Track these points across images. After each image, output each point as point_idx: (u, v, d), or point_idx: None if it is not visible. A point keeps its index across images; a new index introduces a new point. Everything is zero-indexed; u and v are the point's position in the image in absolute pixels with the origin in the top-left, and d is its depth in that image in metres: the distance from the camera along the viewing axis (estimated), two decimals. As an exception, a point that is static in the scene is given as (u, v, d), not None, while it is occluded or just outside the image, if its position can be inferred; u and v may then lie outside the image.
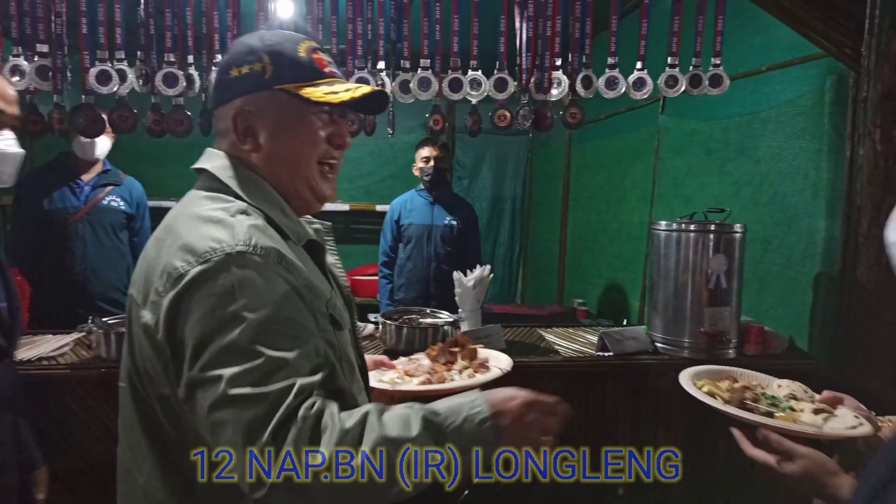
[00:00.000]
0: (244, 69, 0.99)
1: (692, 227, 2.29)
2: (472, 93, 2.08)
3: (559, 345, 2.44)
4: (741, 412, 1.11)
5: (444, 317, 2.38)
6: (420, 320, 2.30)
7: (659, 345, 2.36)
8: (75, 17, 1.90)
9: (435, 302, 3.49)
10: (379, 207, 5.52)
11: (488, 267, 2.57)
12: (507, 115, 2.12)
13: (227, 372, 0.83)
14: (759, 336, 2.31)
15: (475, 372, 1.51)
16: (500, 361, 1.62)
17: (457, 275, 2.56)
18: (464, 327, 2.44)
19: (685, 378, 1.32)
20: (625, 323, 3.76)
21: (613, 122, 4.15)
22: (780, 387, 1.29)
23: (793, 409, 1.16)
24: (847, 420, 1.06)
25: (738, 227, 2.27)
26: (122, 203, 2.87)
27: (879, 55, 2.07)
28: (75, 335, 2.31)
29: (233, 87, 1.00)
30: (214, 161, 1.02)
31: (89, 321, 2.09)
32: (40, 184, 2.75)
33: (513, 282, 6.32)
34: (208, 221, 0.93)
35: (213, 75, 1.07)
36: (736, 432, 1.08)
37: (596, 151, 4.70)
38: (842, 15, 2.17)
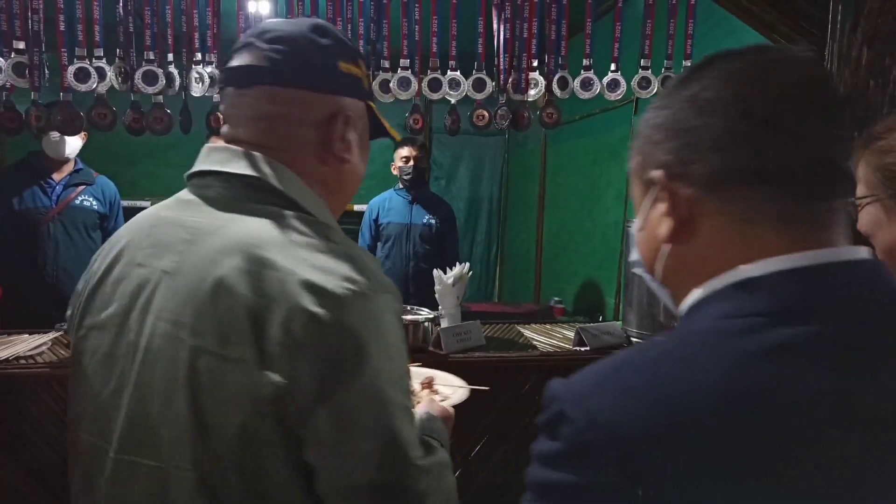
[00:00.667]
0: (352, 68, 0.84)
1: (665, 224, 2.35)
2: (452, 93, 2.11)
3: (537, 340, 2.49)
4: None
5: (425, 313, 2.41)
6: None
7: (634, 339, 2.42)
8: (52, 14, 1.89)
9: (414, 300, 3.52)
10: (357, 207, 5.54)
11: (467, 264, 2.61)
12: (486, 114, 2.16)
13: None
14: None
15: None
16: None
17: (436, 272, 2.59)
18: (444, 324, 2.48)
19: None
20: (600, 319, 3.84)
21: (588, 123, 4.23)
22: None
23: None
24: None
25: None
26: (94, 202, 2.84)
27: (841, 59, 2.15)
28: (52, 334, 2.29)
29: (340, 82, 0.83)
30: (262, 167, 0.79)
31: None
32: (10, 184, 2.72)
33: (490, 281, 6.37)
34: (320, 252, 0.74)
35: (295, 48, 0.80)
36: None
37: (571, 152, 4.77)
38: (805, 20, 2.25)
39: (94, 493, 0.79)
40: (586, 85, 2.17)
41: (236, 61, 0.83)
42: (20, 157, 2.86)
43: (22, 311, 2.69)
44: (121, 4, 1.92)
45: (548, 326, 2.79)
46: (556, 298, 4.50)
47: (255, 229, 0.75)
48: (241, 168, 0.79)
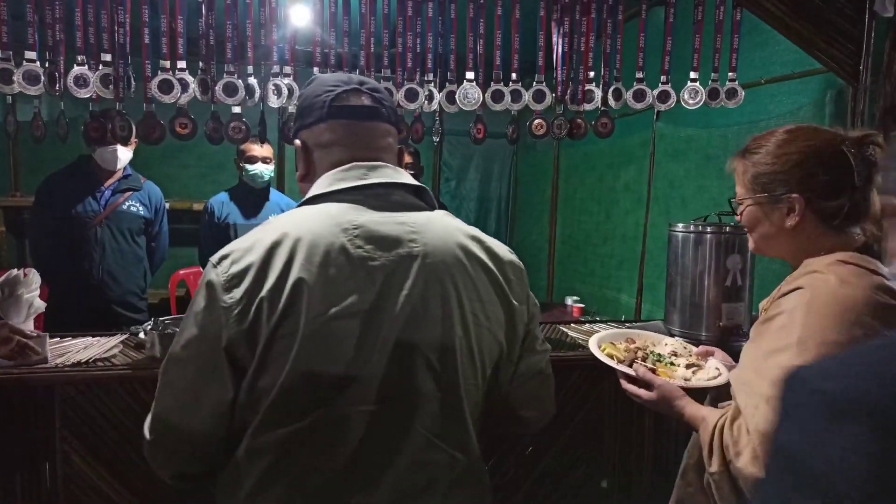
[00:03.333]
0: None
1: (709, 228, 2.47)
2: (514, 105, 2.21)
3: (582, 339, 2.59)
4: (626, 369, 1.43)
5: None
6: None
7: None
8: (138, 26, 1.96)
9: None
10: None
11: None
12: (544, 124, 2.26)
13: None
14: (766, 329, 2.51)
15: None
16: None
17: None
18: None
19: (593, 342, 1.60)
20: (622, 319, 3.96)
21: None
22: (667, 345, 1.59)
23: (672, 364, 1.50)
24: (710, 372, 1.41)
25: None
26: (141, 208, 2.89)
27: (878, 73, 2.29)
28: (120, 336, 2.35)
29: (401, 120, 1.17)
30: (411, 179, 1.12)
31: (146, 324, 2.15)
32: (61, 188, 2.77)
33: (498, 281, 6.48)
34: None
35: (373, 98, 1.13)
36: (621, 378, 1.45)
37: (586, 155, 4.89)
38: (841, 35, 2.39)
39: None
40: (639, 96, 2.28)
41: (352, 101, 1.08)
42: (71, 161, 2.87)
43: (67, 311, 2.74)
44: (203, 18, 1.99)
45: (586, 326, 2.90)
46: (574, 298, 4.60)
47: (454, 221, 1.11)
48: (407, 179, 1.10)
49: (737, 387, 1.26)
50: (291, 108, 2.15)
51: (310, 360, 0.94)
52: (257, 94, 2.05)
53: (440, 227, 1.04)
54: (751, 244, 1.40)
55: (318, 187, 1.06)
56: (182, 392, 0.97)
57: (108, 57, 1.95)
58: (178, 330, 1.04)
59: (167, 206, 5.03)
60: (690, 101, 2.32)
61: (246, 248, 0.97)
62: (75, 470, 2.01)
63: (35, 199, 2.83)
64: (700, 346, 1.53)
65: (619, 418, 2.41)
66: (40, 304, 2.23)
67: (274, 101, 2.08)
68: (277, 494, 0.97)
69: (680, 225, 2.57)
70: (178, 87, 1.98)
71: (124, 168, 2.85)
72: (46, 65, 1.92)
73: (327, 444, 0.97)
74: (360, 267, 0.97)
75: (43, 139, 1.99)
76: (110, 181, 2.81)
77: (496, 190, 6.37)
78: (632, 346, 1.65)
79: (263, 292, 0.93)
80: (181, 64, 2.00)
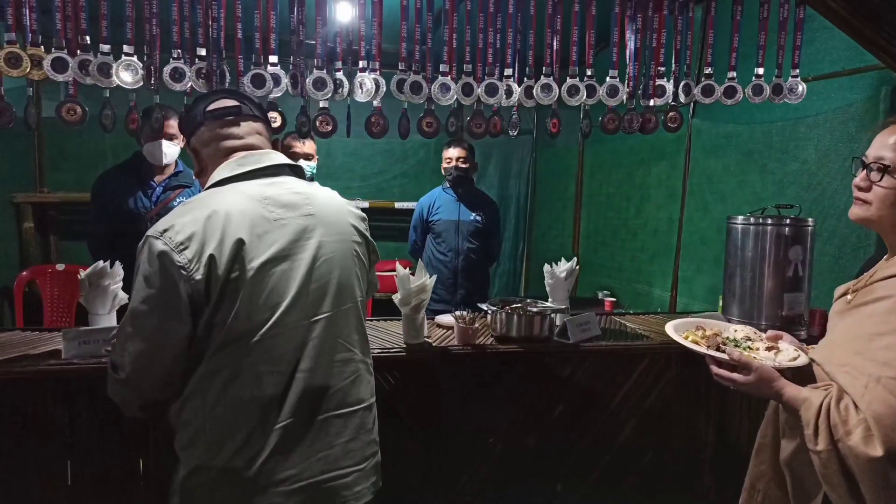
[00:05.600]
0: None
1: (769, 220, 2.54)
2: (589, 99, 2.27)
3: (641, 330, 2.66)
4: (720, 354, 1.43)
5: (550, 305, 2.56)
6: (530, 309, 2.47)
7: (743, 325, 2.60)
8: (232, 22, 1.99)
9: (462, 291, 3.71)
10: (398, 205, 5.66)
11: (575, 259, 2.76)
12: (617, 118, 2.32)
13: None
14: (823, 318, 2.59)
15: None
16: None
17: (548, 267, 2.74)
18: (557, 317, 2.63)
19: (673, 333, 1.59)
20: (657, 311, 4.03)
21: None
22: (737, 331, 1.60)
23: (750, 348, 1.51)
24: (790, 353, 1.43)
25: (809, 221, 2.53)
26: None
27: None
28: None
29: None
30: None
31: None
32: (114, 183, 2.77)
33: (517, 276, 6.54)
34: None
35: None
36: (710, 362, 1.45)
37: (613, 151, 4.96)
38: (900, 33, 2.46)
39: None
40: (707, 91, 2.34)
41: (220, 105, 1.44)
42: (127, 158, 2.89)
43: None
44: (295, 15, 2.02)
45: (641, 317, 2.97)
46: (605, 292, 4.67)
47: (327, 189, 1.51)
48: (286, 160, 1.45)
49: (832, 368, 1.31)
50: (377, 103, 2.20)
51: (253, 295, 1.26)
52: (345, 89, 2.08)
53: (322, 193, 1.45)
54: (860, 211, 1.37)
55: (223, 171, 1.38)
56: (151, 335, 1.25)
57: (202, 52, 1.97)
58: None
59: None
60: (756, 98, 2.38)
61: (184, 222, 1.25)
62: (167, 458, 2.04)
63: (91, 196, 2.82)
64: (769, 331, 1.56)
65: (685, 404, 2.48)
66: (124, 296, 2.26)
67: (360, 96, 2.12)
68: (235, 399, 1.27)
69: (740, 217, 2.64)
70: (270, 81, 2.01)
71: (176, 164, 2.85)
72: (144, 59, 1.95)
73: (272, 354, 1.29)
74: (277, 226, 1.31)
75: (140, 132, 2.01)
76: (161, 177, 2.80)
77: (515, 187, 6.42)
78: (708, 332, 1.68)
79: (211, 250, 1.22)
80: (272, 59, 2.03)
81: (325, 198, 1.46)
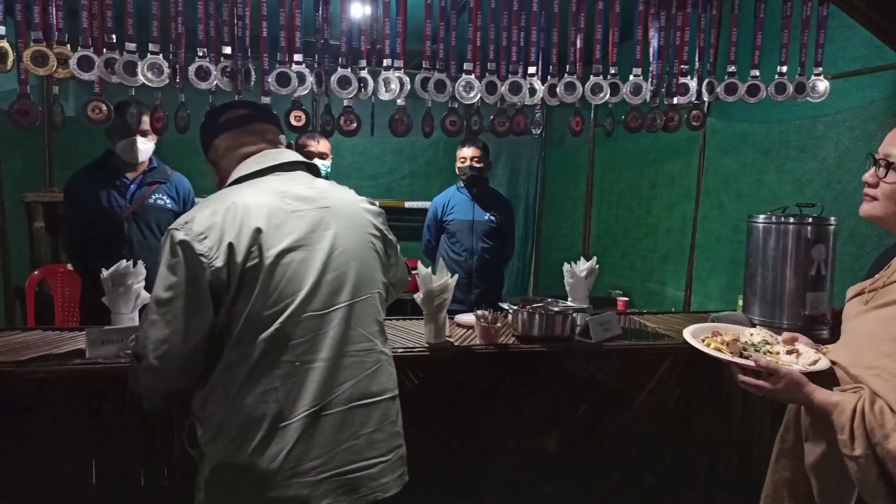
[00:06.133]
0: None
1: (791, 219, 2.53)
2: (612, 98, 2.26)
3: (661, 329, 2.65)
4: (745, 361, 1.40)
5: (571, 304, 2.55)
6: (551, 308, 2.46)
7: (759, 327, 2.59)
8: (257, 21, 1.98)
9: (477, 290, 3.70)
10: (408, 204, 5.65)
11: (595, 258, 2.75)
12: (640, 117, 2.31)
13: None
14: (844, 317, 2.57)
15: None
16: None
17: (568, 266, 2.73)
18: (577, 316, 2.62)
19: (693, 340, 1.56)
20: (672, 310, 4.02)
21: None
22: (753, 335, 1.57)
23: (770, 352, 1.48)
24: (810, 356, 1.40)
25: (832, 220, 2.52)
26: (168, 201, 2.78)
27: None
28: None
29: None
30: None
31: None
32: (87, 183, 2.66)
33: (525, 275, 6.54)
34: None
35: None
36: (735, 369, 1.42)
37: (625, 150, 4.95)
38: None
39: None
40: (730, 90, 2.33)
41: (233, 115, 1.52)
42: (98, 156, 2.77)
43: (100, 308, 2.51)
44: (320, 13, 2.02)
45: (660, 317, 2.96)
46: (617, 291, 4.67)
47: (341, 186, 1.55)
48: (300, 158, 1.51)
49: (860, 371, 1.30)
50: (400, 101, 2.19)
51: (271, 284, 1.30)
52: (370, 87, 2.07)
53: (336, 188, 1.50)
54: (868, 207, 1.37)
55: (242, 169, 1.43)
56: (174, 321, 1.27)
57: (227, 50, 1.96)
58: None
59: (199, 200, 5.08)
60: (780, 97, 2.37)
61: (204, 215, 1.30)
62: (191, 457, 2.03)
63: (64, 196, 2.74)
64: (784, 333, 1.54)
65: (708, 405, 2.47)
66: (146, 295, 2.25)
67: (384, 95, 2.11)
68: (257, 389, 1.30)
69: (761, 216, 2.62)
70: (295, 79, 2.01)
71: (150, 160, 2.74)
72: (170, 57, 1.94)
73: (292, 343, 1.32)
74: (294, 217, 1.36)
75: (164, 130, 2.01)
76: (135, 174, 2.70)
77: (524, 186, 6.42)
78: (728, 338, 1.64)
79: (230, 239, 1.27)
80: (296, 57, 2.02)
81: (340, 193, 1.51)
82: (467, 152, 3.67)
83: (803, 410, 1.40)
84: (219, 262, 1.27)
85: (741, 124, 3.60)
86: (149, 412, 2.00)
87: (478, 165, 3.68)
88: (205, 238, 1.27)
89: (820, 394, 1.29)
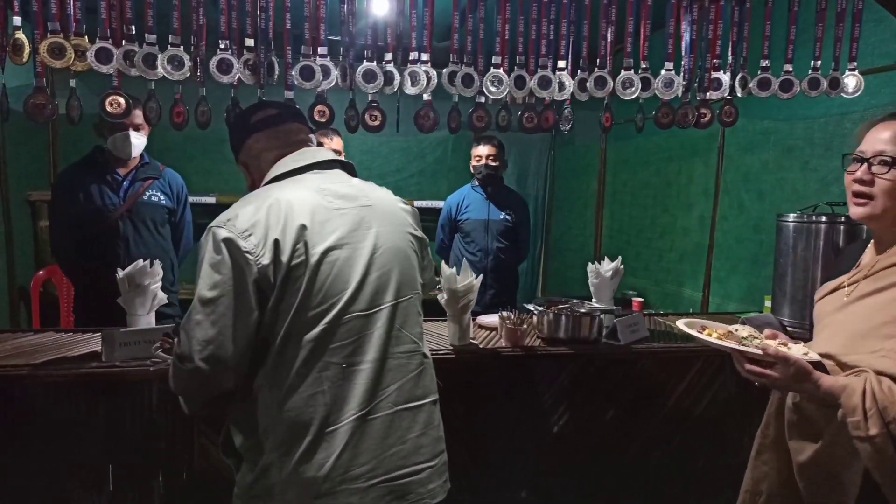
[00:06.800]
0: None
1: (823, 218, 2.47)
2: (643, 93, 2.19)
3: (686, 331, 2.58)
4: (754, 350, 1.34)
5: (597, 305, 2.48)
6: (578, 310, 2.40)
7: (788, 328, 2.53)
8: (280, 13, 1.92)
9: (492, 291, 3.63)
10: (417, 203, 5.58)
11: (620, 258, 2.69)
12: (671, 112, 2.25)
13: None
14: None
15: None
16: None
17: (592, 266, 2.67)
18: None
19: (697, 333, 1.49)
20: (690, 311, 3.96)
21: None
22: (738, 329, 1.50)
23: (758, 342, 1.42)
24: (799, 349, 1.37)
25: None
26: (162, 197, 2.69)
27: None
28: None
29: None
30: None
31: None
32: (78, 181, 2.56)
33: (535, 275, 6.47)
34: None
35: None
36: (741, 359, 1.37)
37: (639, 149, 4.88)
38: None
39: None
40: (763, 85, 2.27)
41: (264, 114, 1.49)
42: (85, 154, 2.68)
43: (95, 309, 2.58)
44: (345, 6, 1.95)
45: (684, 318, 2.89)
46: (632, 291, 4.60)
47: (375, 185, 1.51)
48: (336, 157, 1.48)
49: (861, 357, 1.29)
50: (427, 96, 2.12)
51: (317, 282, 1.26)
52: (396, 81, 2.01)
53: (374, 187, 1.47)
54: (867, 209, 1.35)
55: (280, 167, 1.40)
56: (220, 320, 1.23)
57: (250, 42, 1.90)
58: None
59: (213, 200, 5.02)
60: (813, 92, 2.31)
61: (247, 211, 1.26)
62: (212, 463, 1.97)
63: (52, 195, 2.64)
64: (766, 330, 1.49)
65: (738, 407, 2.40)
66: (163, 296, 2.19)
67: (411, 89, 2.04)
68: (303, 393, 1.25)
69: (791, 215, 2.56)
70: (319, 73, 1.94)
71: (141, 156, 2.65)
72: (191, 50, 1.87)
73: (337, 344, 1.28)
74: (336, 215, 1.32)
75: (185, 125, 1.94)
76: (126, 170, 2.61)
77: (533, 185, 6.35)
78: (721, 331, 1.58)
79: (276, 235, 1.24)
80: (321, 50, 1.95)
81: (378, 192, 1.48)
82: (482, 150, 3.61)
83: (789, 406, 1.39)
84: (265, 259, 1.23)
85: (763, 121, 3.53)
86: (171, 418, 1.94)
87: (493, 164, 3.62)
88: (250, 235, 1.24)
89: (826, 379, 1.27)
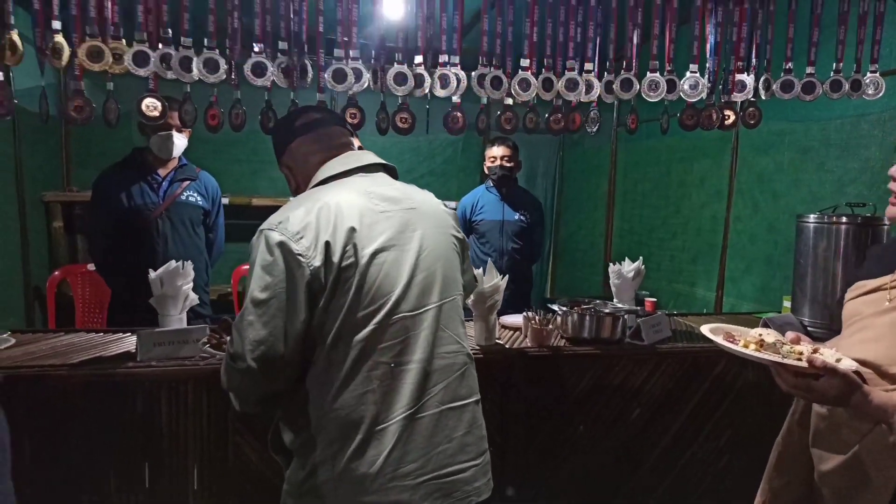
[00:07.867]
0: None
1: (844, 219, 2.49)
2: (669, 95, 2.21)
3: (721, 344, 2.59)
4: (798, 363, 1.24)
5: (621, 305, 2.50)
6: (602, 310, 2.42)
7: (809, 329, 2.56)
8: (313, 17, 1.94)
9: (507, 292, 3.64)
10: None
11: (641, 258, 2.71)
12: (695, 114, 2.27)
13: None
14: None
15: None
16: None
17: (614, 266, 2.69)
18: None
19: (730, 346, 1.37)
20: (704, 311, 3.98)
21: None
22: (762, 335, 1.40)
23: (792, 352, 1.31)
24: (832, 355, 1.27)
25: (886, 220, 2.47)
26: (199, 198, 2.76)
27: None
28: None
29: None
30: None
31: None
32: (118, 181, 2.62)
33: (543, 275, 6.49)
34: None
35: None
36: (781, 372, 1.27)
37: (649, 150, 4.90)
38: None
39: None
40: (787, 87, 2.29)
41: (307, 118, 1.53)
42: (126, 154, 2.75)
43: (132, 307, 2.55)
44: (375, 9, 1.97)
45: (703, 318, 2.92)
46: (644, 292, 4.61)
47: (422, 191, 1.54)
48: (379, 160, 1.51)
49: None
50: (456, 98, 2.14)
51: (366, 283, 1.29)
52: (427, 84, 2.03)
53: (417, 190, 1.51)
54: None
55: (327, 171, 1.43)
56: (272, 321, 1.26)
57: (284, 45, 1.92)
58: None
59: (227, 201, 5.03)
60: (835, 95, 2.33)
61: (297, 214, 1.29)
62: (246, 461, 2.00)
63: (92, 195, 2.67)
64: (787, 333, 1.40)
65: (761, 407, 2.42)
66: (194, 297, 2.21)
67: (441, 92, 2.07)
68: (354, 392, 1.28)
69: (812, 216, 2.58)
70: (351, 76, 1.96)
71: (179, 158, 2.71)
72: (226, 53, 1.89)
73: (386, 344, 1.30)
74: (383, 217, 1.35)
75: (220, 128, 1.96)
76: (166, 171, 2.68)
77: (541, 186, 6.37)
78: (752, 339, 1.49)
79: (327, 237, 1.26)
80: (352, 53, 1.98)
81: (422, 195, 1.51)
82: (497, 151, 3.62)
83: (820, 414, 1.34)
84: (317, 262, 1.26)
85: (777, 123, 3.55)
86: (206, 415, 1.96)
87: (508, 165, 3.63)
88: (301, 237, 1.27)
89: (878, 393, 1.19)
